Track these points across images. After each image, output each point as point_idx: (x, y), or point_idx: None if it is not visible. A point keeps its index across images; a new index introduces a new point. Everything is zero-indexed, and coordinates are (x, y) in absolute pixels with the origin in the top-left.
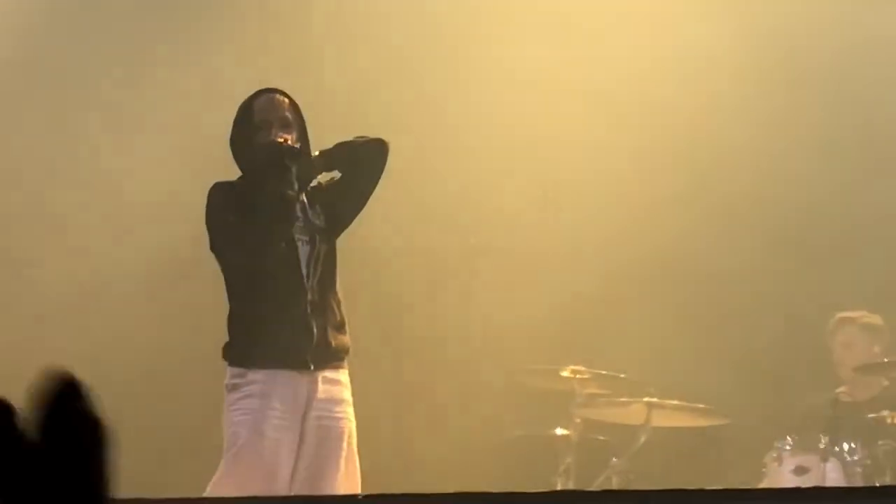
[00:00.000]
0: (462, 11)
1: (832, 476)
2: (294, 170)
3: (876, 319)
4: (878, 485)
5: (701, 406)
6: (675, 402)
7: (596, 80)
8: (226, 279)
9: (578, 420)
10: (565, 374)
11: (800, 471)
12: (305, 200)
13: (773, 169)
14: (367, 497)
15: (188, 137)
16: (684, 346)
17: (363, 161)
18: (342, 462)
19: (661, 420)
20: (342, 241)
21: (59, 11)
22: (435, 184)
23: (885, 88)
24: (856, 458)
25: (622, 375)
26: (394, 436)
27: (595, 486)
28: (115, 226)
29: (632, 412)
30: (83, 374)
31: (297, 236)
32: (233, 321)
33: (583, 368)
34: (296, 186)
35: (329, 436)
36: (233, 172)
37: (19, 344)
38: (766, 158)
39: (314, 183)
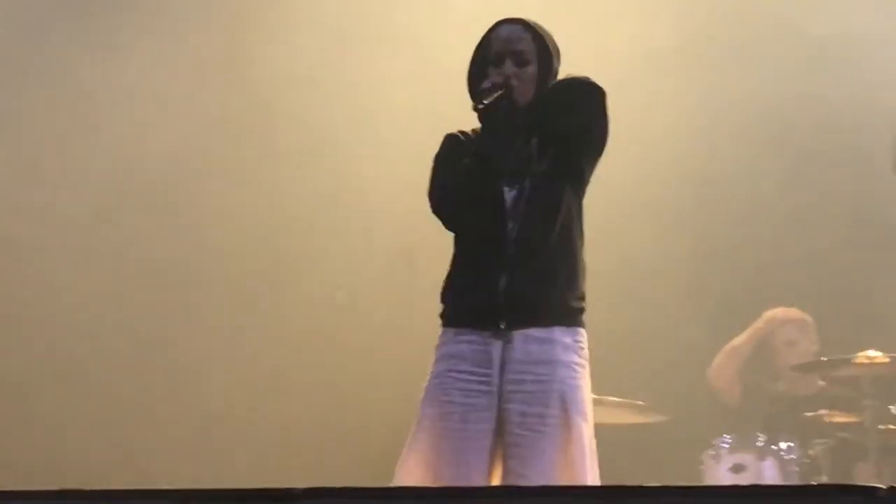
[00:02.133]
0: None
1: (769, 474)
2: (505, 114)
3: (808, 317)
4: (814, 483)
5: (640, 403)
6: (614, 398)
7: None
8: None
9: None
10: None
11: (737, 468)
12: (534, 144)
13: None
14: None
15: None
16: (623, 342)
17: (575, 103)
18: (556, 430)
19: (599, 417)
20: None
21: None
22: None
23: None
24: (793, 456)
25: None
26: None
27: None
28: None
29: None
30: None
31: (506, 184)
32: (445, 281)
33: None
34: (505, 130)
35: (532, 401)
36: None
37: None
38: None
39: (541, 122)
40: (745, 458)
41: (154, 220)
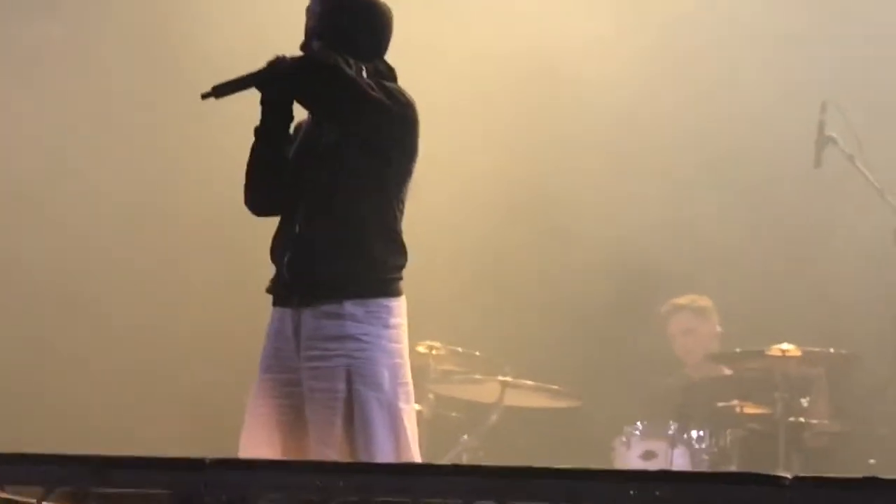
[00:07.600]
0: None
1: (679, 462)
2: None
3: (705, 301)
4: (723, 471)
5: (554, 387)
6: (529, 382)
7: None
8: None
9: (431, 395)
10: (420, 349)
11: (647, 455)
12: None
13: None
14: None
15: None
16: (540, 327)
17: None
18: (343, 405)
19: (514, 399)
20: None
21: None
22: None
23: None
24: (703, 445)
25: (477, 353)
26: None
27: (444, 461)
28: None
29: (485, 390)
30: None
31: (302, 158)
32: None
33: (438, 344)
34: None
35: (321, 377)
36: None
37: None
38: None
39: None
40: (657, 445)
41: None
